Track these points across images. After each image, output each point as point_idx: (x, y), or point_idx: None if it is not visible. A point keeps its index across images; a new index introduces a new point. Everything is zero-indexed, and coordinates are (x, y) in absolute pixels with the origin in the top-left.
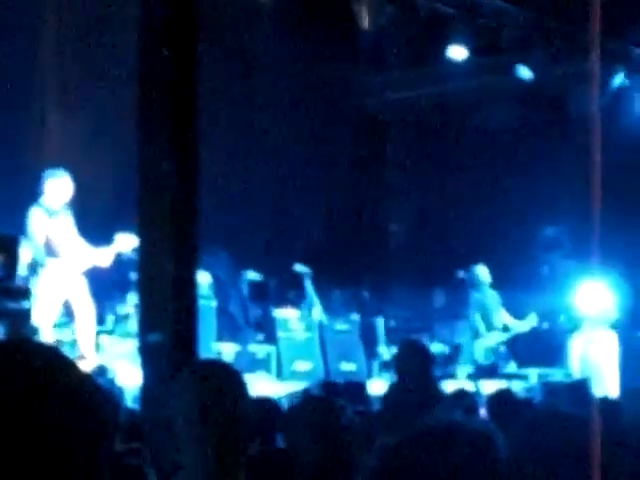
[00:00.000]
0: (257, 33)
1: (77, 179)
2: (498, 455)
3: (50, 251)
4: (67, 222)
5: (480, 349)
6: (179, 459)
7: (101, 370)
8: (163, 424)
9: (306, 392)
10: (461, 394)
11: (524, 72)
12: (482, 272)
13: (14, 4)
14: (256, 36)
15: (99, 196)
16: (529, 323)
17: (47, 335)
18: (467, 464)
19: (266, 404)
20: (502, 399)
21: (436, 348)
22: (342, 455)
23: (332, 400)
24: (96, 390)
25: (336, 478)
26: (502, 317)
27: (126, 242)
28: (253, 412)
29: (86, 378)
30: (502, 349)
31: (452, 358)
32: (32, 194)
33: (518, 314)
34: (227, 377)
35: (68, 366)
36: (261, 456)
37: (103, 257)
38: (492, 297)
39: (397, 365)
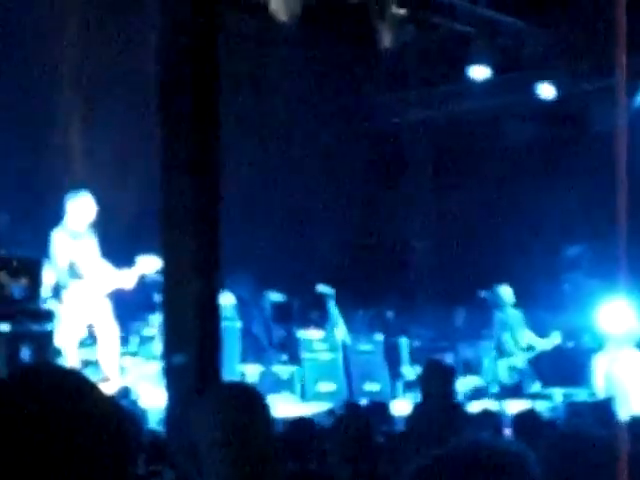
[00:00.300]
0: (276, 53)
1: (99, 201)
2: (531, 475)
3: (73, 273)
4: (90, 244)
5: (504, 369)
6: None
7: (125, 392)
8: (187, 446)
9: (330, 413)
10: (486, 414)
11: (547, 90)
12: (505, 292)
13: (39, 26)
14: (275, 56)
15: (122, 218)
16: (553, 341)
17: (71, 357)
18: None
19: (302, 425)
20: (527, 419)
21: (468, 381)
22: (374, 474)
23: (367, 420)
24: (118, 412)
25: None
26: (526, 337)
27: (149, 264)
28: (279, 434)
29: (108, 400)
30: (526, 369)
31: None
32: (55, 217)
33: (541, 334)
34: (250, 400)
35: (90, 389)
36: (296, 477)
37: (126, 279)
38: (515, 317)
39: (422, 386)
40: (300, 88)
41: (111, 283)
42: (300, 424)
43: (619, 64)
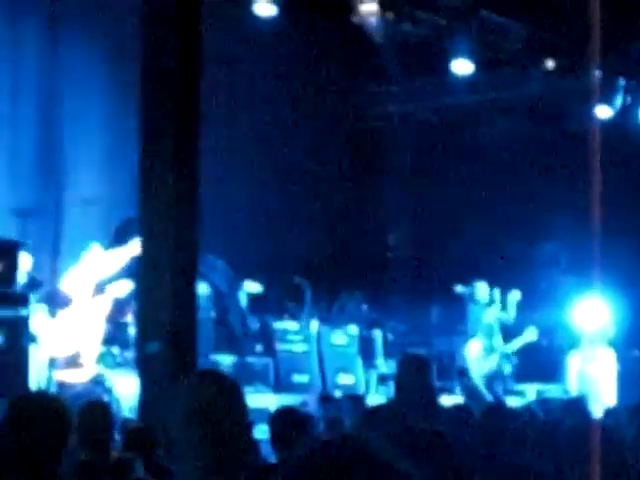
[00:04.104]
0: (259, 46)
1: (83, 187)
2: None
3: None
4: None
5: (480, 364)
6: (175, 468)
7: (99, 379)
8: (160, 432)
9: (303, 404)
10: (458, 409)
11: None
12: (482, 288)
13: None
14: (258, 48)
15: (100, 206)
16: (528, 337)
17: (46, 344)
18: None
19: (289, 414)
20: (495, 414)
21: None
22: None
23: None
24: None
25: None
26: (501, 333)
27: (120, 288)
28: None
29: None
30: (500, 364)
31: (450, 372)
32: (34, 202)
33: (517, 330)
34: (224, 386)
35: None
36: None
37: (101, 306)
38: (491, 314)
39: (397, 379)
40: (281, 81)
41: (88, 311)
42: (287, 413)
43: (595, 63)
